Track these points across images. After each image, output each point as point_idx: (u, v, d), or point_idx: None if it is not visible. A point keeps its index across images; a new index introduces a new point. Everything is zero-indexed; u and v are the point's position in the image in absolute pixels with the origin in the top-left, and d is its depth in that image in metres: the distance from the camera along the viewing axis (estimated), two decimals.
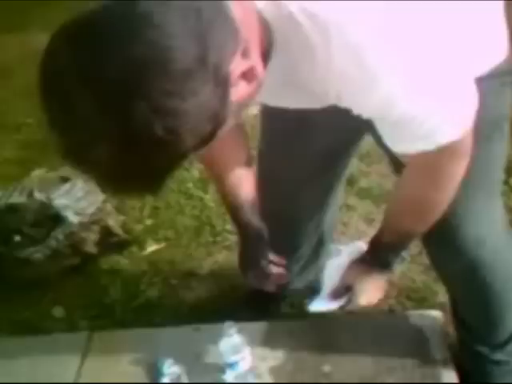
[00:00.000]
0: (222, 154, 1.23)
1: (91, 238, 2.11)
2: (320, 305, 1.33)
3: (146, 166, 0.74)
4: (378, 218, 2.11)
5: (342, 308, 1.31)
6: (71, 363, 1.57)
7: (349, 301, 1.28)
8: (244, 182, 1.30)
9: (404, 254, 1.31)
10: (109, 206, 2.19)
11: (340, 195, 1.69)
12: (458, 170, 1.04)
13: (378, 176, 2.27)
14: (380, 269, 1.25)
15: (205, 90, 0.72)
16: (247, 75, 0.80)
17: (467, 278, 1.30)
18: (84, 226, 2.10)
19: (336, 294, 1.31)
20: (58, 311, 1.93)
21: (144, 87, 0.69)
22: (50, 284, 2.00)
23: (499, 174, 1.27)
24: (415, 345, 1.50)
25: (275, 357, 1.52)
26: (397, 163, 1.16)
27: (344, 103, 0.94)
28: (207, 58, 0.72)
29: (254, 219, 1.30)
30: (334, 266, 1.33)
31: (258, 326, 1.60)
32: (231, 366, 1.45)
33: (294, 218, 1.58)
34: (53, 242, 2.06)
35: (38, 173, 2.28)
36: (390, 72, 0.87)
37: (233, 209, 1.31)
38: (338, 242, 1.64)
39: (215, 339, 1.56)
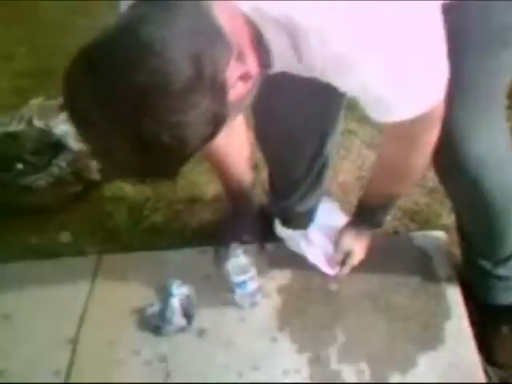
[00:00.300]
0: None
1: (93, 164, 2.11)
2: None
3: (159, 167, 0.87)
4: (380, 142, 2.12)
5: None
6: (81, 286, 1.59)
7: (344, 264, 1.45)
8: (245, 165, 1.50)
9: (383, 217, 1.43)
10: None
11: (341, 121, 1.68)
12: (431, 136, 1.14)
13: None
14: (372, 229, 1.43)
15: (204, 101, 0.83)
16: (243, 76, 0.90)
17: (470, 196, 1.32)
18: (85, 152, 2.09)
19: (333, 262, 1.48)
20: (65, 237, 1.94)
21: (149, 107, 0.80)
22: (56, 210, 2.01)
23: (502, 90, 1.26)
24: (420, 264, 1.53)
25: (283, 276, 1.55)
26: None
27: (327, 80, 1.04)
28: (203, 74, 0.82)
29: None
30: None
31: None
32: (239, 285, 1.47)
33: (295, 144, 1.57)
34: (55, 170, 2.05)
35: (35, 101, 2.25)
36: (364, 60, 0.94)
37: (235, 190, 1.50)
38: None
39: (221, 261, 1.60)
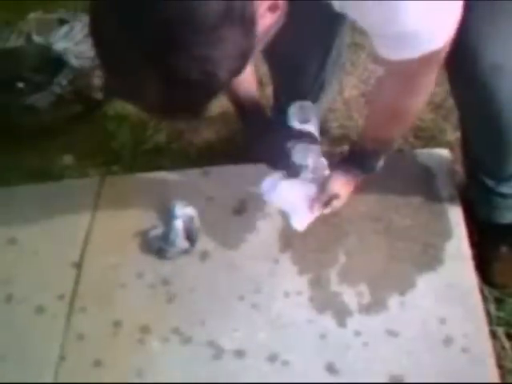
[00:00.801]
0: None
1: (95, 83, 2.08)
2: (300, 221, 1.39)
3: (188, 102, 0.86)
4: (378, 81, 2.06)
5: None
6: (85, 209, 1.60)
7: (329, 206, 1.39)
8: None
9: (376, 164, 1.36)
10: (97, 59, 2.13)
11: (346, 35, 1.64)
12: (432, 77, 1.13)
13: None
14: (363, 174, 1.38)
15: (234, 35, 0.81)
16: (272, 7, 0.89)
17: (482, 107, 1.28)
18: (87, 71, 2.06)
19: (316, 204, 1.39)
20: (68, 159, 1.94)
21: (179, 41, 0.79)
22: (57, 132, 2.00)
23: None
24: (422, 182, 1.51)
25: None
26: None
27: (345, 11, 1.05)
28: (233, 7, 0.80)
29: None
30: None
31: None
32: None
33: (302, 57, 1.54)
34: (57, 88, 2.02)
35: (34, 15, 2.20)
36: None
37: (248, 104, 1.41)
38: None
39: (224, 182, 1.60)
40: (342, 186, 1.39)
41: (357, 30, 2.03)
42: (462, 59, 1.18)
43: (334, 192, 1.38)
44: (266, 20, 0.89)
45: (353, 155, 1.39)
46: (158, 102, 0.85)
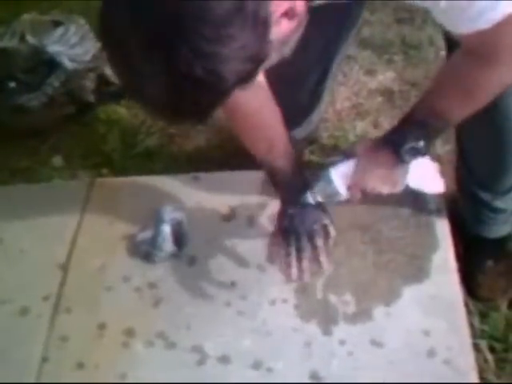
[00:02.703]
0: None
1: (87, 86, 2.08)
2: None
3: (192, 103, 0.82)
4: (380, 69, 2.08)
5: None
6: (73, 211, 1.59)
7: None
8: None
9: (423, 145, 1.18)
10: (105, 54, 2.13)
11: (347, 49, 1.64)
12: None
13: (380, 25, 2.21)
14: (390, 148, 1.19)
15: (244, 35, 0.77)
16: (288, 13, 0.84)
17: (484, 119, 1.21)
18: (80, 73, 2.06)
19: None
20: (57, 160, 1.94)
21: (185, 34, 0.76)
22: (48, 133, 2.00)
23: None
24: (411, 194, 1.51)
25: (274, 206, 1.55)
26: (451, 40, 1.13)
27: None
28: (245, 5, 0.76)
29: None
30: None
31: (257, 175, 1.61)
32: None
33: (301, 71, 1.54)
34: (49, 89, 2.02)
35: (28, 16, 2.19)
36: None
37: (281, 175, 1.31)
38: None
39: (214, 188, 1.60)
40: (372, 176, 1.23)
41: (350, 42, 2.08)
42: None
43: (365, 187, 1.24)
44: (282, 26, 0.85)
45: (397, 125, 1.21)
46: (163, 101, 0.82)
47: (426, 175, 1.28)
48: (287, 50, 0.93)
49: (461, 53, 1.08)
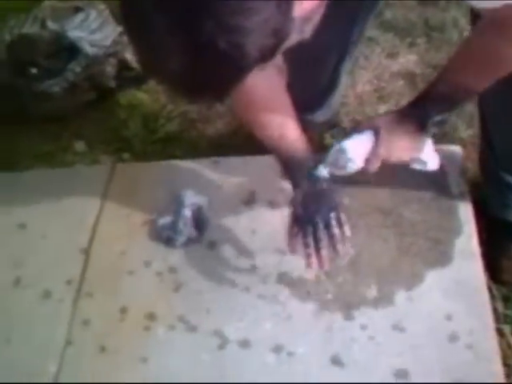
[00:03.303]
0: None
1: (108, 71, 2.08)
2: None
3: (213, 77, 0.81)
4: (402, 51, 2.06)
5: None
6: (95, 196, 1.60)
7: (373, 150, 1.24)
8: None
9: (444, 116, 1.22)
10: (125, 39, 2.14)
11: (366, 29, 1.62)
12: None
13: (403, 7, 2.17)
14: (414, 121, 1.22)
15: (267, 8, 0.76)
16: None
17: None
18: (100, 58, 2.06)
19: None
20: (80, 145, 1.95)
21: (209, 7, 0.74)
22: (70, 119, 2.01)
23: None
24: (433, 178, 1.50)
25: None
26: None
27: None
28: None
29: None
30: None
31: None
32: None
33: (321, 54, 1.53)
34: (70, 75, 2.03)
35: (49, 3, 2.20)
36: None
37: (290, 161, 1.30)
38: None
39: (234, 172, 1.60)
40: (397, 146, 1.25)
41: (372, 24, 2.05)
42: None
43: (388, 157, 1.25)
44: (305, 4, 0.83)
45: (419, 97, 1.23)
46: (183, 75, 0.80)
47: (429, 150, 1.31)
48: (307, 31, 0.92)
49: (481, 26, 1.10)
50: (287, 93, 1.31)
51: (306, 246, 1.26)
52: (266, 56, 0.81)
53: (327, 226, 1.26)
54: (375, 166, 1.26)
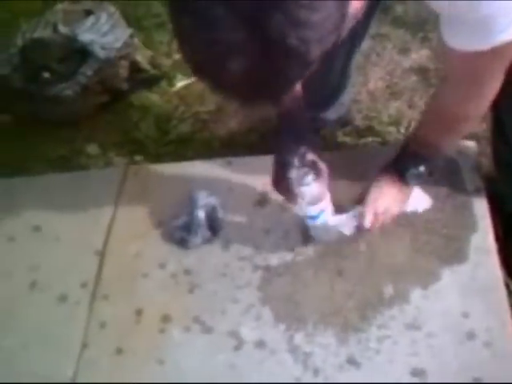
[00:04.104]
0: None
1: (120, 73, 2.09)
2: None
3: (278, 75, 0.79)
4: (414, 47, 2.04)
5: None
6: (108, 198, 1.61)
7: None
8: None
9: (424, 170, 1.32)
10: (136, 41, 2.14)
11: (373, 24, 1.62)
12: (497, 80, 1.10)
13: (414, 2, 2.15)
14: (396, 178, 1.35)
15: (330, 4, 0.76)
16: None
17: None
18: (112, 61, 2.07)
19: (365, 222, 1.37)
20: (93, 148, 1.96)
21: (279, 2, 0.73)
22: (82, 122, 2.02)
23: None
24: (448, 175, 1.49)
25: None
26: None
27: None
28: None
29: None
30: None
31: None
32: (313, 217, 1.36)
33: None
34: (82, 78, 2.04)
35: (61, 6, 2.21)
36: None
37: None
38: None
39: (247, 172, 1.59)
40: (381, 191, 1.36)
41: (383, 20, 2.04)
42: None
43: (372, 198, 1.36)
44: (354, 3, 0.84)
45: (397, 158, 1.35)
46: (247, 73, 0.77)
47: (417, 195, 1.42)
48: (346, 30, 0.89)
49: (445, 84, 1.21)
50: None
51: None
52: (323, 54, 0.80)
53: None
54: (369, 220, 1.36)
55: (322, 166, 1.34)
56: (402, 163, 1.34)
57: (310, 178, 1.29)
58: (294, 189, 1.31)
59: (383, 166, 1.38)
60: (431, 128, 1.27)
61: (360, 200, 1.40)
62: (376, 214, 1.36)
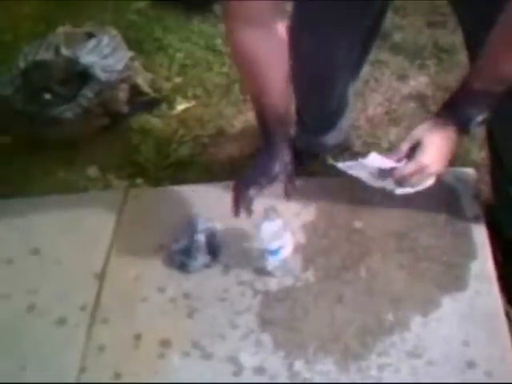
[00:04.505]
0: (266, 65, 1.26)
1: (120, 96, 2.10)
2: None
3: None
4: (412, 74, 2.07)
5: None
6: (108, 221, 1.61)
7: (411, 160, 1.21)
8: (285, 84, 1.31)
9: (485, 114, 1.16)
10: (136, 64, 2.16)
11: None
12: None
13: (413, 30, 2.19)
14: (457, 126, 1.18)
15: None
16: None
17: None
18: (113, 83, 2.08)
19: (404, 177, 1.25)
20: (93, 171, 1.96)
21: None
22: (83, 144, 2.02)
23: None
24: (447, 201, 1.50)
25: (308, 212, 1.55)
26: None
27: None
28: None
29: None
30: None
31: None
32: (272, 252, 1.39)
33: (329, 77, 1.55)
34: (83, 100, 2.05)
35: (62, 29, 2.23)
36: None
37: (271, 116, 1.32)
38: None
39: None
40: (426, 131, 1.20)
41: (381, 47, 2.06)
42: None
43: (414, 138, 1.21)
44: None
45: (450, 100, 1.20)
46: None
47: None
48: None
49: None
50: (285, 55, 1.28)
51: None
52: None
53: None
54: (408, 169, 1.22)
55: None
56: (464, 109, 1.17)
57: (272, 214, 1.35)
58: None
59: (435, 117, 1.21)
60: (501, 56, 1.10)
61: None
62: (421, 167, 1.21)
